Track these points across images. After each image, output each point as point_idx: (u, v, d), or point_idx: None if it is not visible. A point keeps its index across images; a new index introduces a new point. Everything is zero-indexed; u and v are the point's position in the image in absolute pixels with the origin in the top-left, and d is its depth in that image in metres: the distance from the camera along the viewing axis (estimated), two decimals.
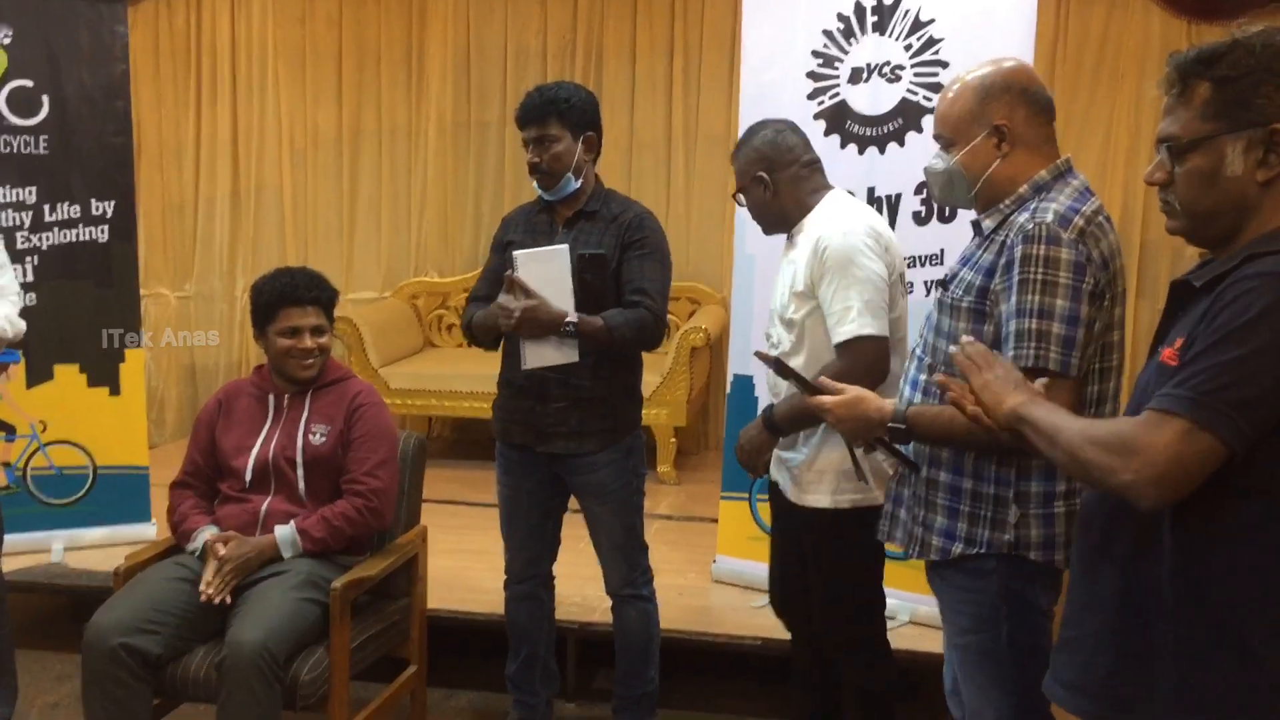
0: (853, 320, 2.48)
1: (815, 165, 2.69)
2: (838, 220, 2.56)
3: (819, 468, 2.59)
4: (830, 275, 2.50)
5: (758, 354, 2.43)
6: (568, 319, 2.77)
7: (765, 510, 3.68)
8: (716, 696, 3.58)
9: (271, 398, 2.99)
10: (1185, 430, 1.40)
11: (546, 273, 2.77)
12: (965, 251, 2.12)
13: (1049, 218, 1.90)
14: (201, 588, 2.70)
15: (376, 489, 2.93)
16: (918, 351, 2.17)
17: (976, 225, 2.12)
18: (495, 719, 3.33)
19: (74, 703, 3.37)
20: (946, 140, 2.09)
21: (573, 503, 3.12)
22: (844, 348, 2.50)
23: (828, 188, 2.68)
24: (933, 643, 2.94)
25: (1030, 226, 1.90)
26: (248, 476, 2.91)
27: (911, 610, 3.46)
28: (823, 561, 2.65)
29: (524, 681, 3.21)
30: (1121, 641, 1.55)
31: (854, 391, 2.10)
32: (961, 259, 2.11)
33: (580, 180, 2.94)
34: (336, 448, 2.93)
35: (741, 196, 2.72)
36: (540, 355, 2.81)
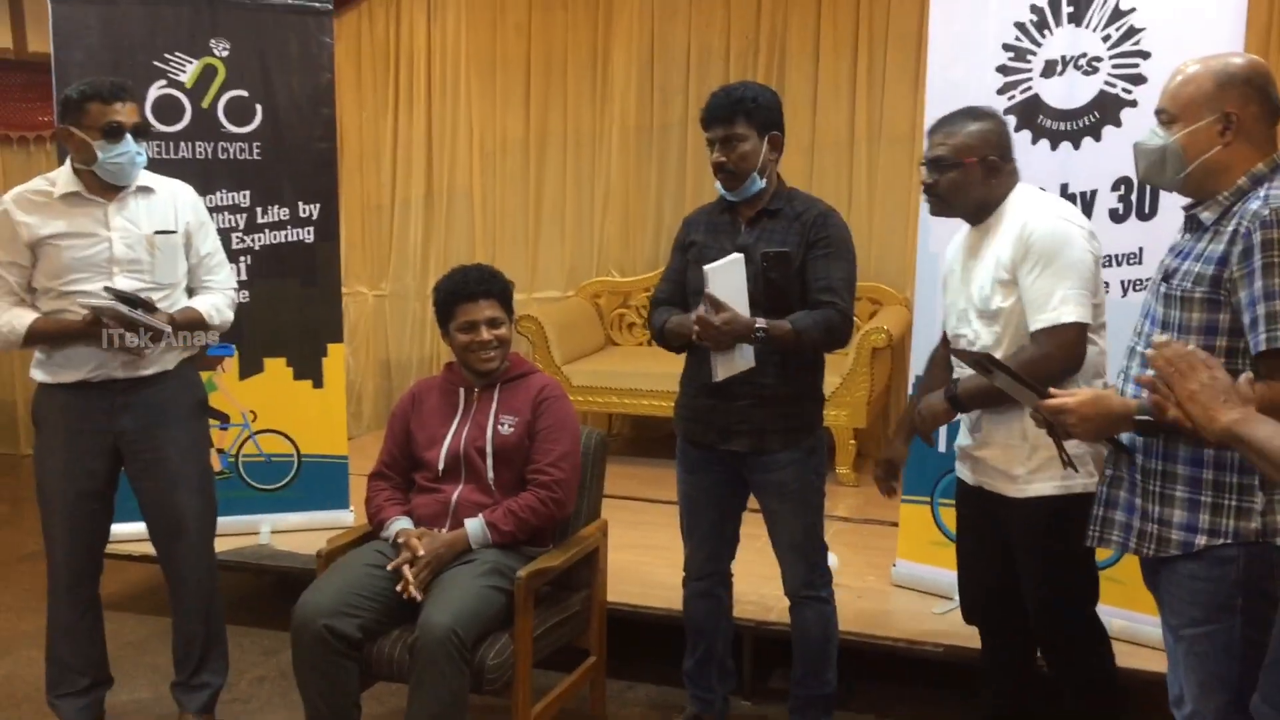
0: (1054, 307, 2.46)
1: (1015, 164, 2.68)
2: (1044, 207, 2.56)
3: (1036, 459, 2.56)
4: (1035, 260, 2.48)
5: (956, 352, 2.44)
6: (757, 325, 2.79)
7: (947, 515, 3.63)
8: (895, 703, 3.53)
9: (462, 391, 3.11)
10: None
11: (730, 281, 2.80)
12: (1178, 246, 2.13)
13: None
14: (399, 587, 2.83)
15: (560, 480, 3.01)
16: (1137, 348, 2.16)
17: (1193, 219, 2.11)
18: (673, 713, 3.37)
19: (279, 677, 3.60)
20: (1170, 116, 2.10)
21: (752, 502, 3.13)
22: (1044, 334, 2.48)
23: (1016, 182, 2.66)
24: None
25: (1267, 213, 1.91)
26: (440, 467, 3.04)
27: None
28: (1044, 551, 2.59)
29: (700, 677, 3.25)
30: None
31: (1089, 391, 2.12)
32: (1177, 253, 2.11)
33: (765, 180, 2.95)
34: (524, 438, 3.03)
35: (934, 170, 2.61)
36: (729, 366, 2.86)
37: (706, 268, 2.78)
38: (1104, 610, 3.22)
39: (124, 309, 2.89)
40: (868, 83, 5.58)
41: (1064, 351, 2.46)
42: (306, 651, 2.73)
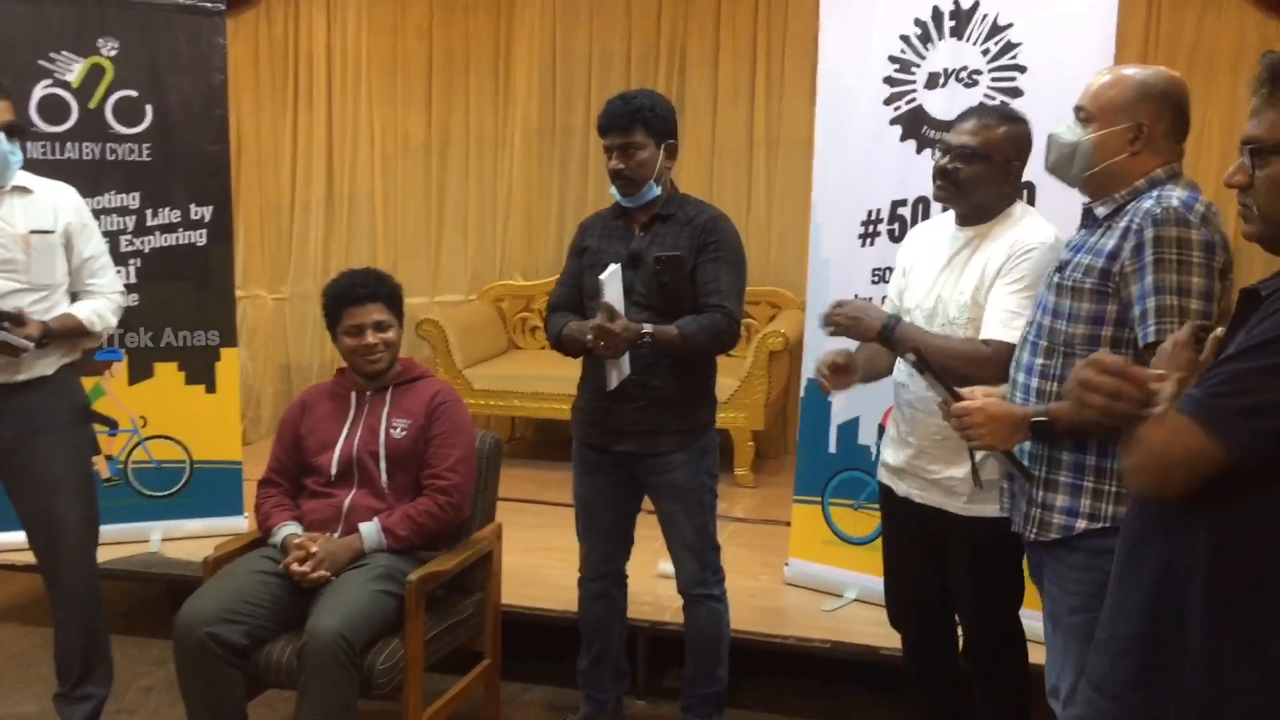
0: (1016, 327, 2.43)
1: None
2: (1046, 232, 2.52)
3: (987, 477, 2.51)
4: (1017, 277, 2.47)
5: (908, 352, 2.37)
6: (644, 331, 2.83)
7: (840, 515, 3.72)
8: (785, 698, 3.60)
9: (353, 395, 3.10)
10: (1181, 426, 1.44)
11: (614, 290, 2.83)
12: (1073, 240, 2.23)
13: (1174, 202, 2.02)
14: (293, 569, 2.81)
15: (457, 484, 3.02)
16: (1030, 337, 2.24)
17: (1089, 213, 2.21)
18: (567, 713, 3.39)
19: (168, 686, 3.53)
20: (1088, 115, 2.17)
21: (647, 503, 3.17)
22: (994, 346, 2.46)
23: (1017, 198, 2.64)
24: None
25: (1159, 211, 2.01)
26: (332, 471, 3.02)
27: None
28: (982, 567, 2.62)
29: (594, 677, 3.28)
30: (1147, 651, 1.55)
31: (981, 390, 2.17)
32: (1072, 246, 2.20)
33: (660, 187, 3.00)
34: (417, 442, 3.03)
35: (959, 158, 2.54)
36: (620, 372, 2.90)
37: (602, 276, 2.81)
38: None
39: None
40: (766, 90, 5.67)
41: (997, 367, 2.41)
42: (190, 660, 2.69)
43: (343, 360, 3.18)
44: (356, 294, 3.05)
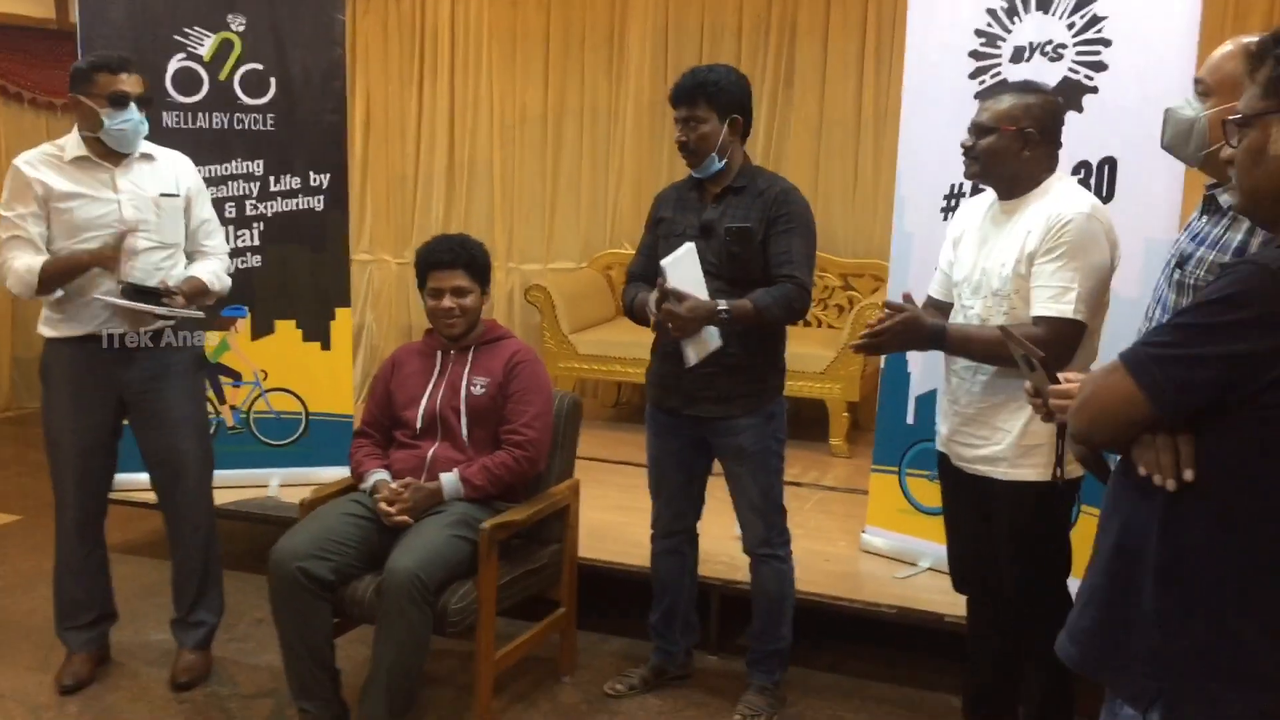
0: (1069, 301, 2.45)
1: (1059, 148, 2.66)
2: (1080, 200, 2.53)
3: (1028, 442, 2.58)
4: (1061, 251, 2.47)
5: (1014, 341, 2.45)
6: (720, 307, 2.94)
7: (915, 485, 3.77)
8: (851, 660, 3.68)
9: (438, 354, 3.30)
10: (1112, 370, 1.51)
11: (688, 271, 2.95)
12: (1196, 230, 2.05)
13: None
14: (381, 508, 3.05)
15: (533, 439, 3.19)
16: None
17: (1211, 200, 2.04)
18: (640, 663, 3.54)
19: None
20: (1206, 88, 2.06)
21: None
22: (1047, 322, 2.49)
23: (1055, 168, 2.64)
24: None
25: None
26: (418, 425, 3.23)
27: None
28: (1021, 535, 2.64)
29: (665, 630, 3.43)
30: (1107, 601, 1.62)
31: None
32: (1194, 237, 2.04)
33: (725, 160, 3.09)
34: (496, 399, 3.21)
35: (974, 134, 2.61)
36: (700, 348, 3.02)
37: (663, 262, 2.93)
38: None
39: (140, 305, 3.12)
40: (875, 62, 5.68)
41: (1058, 346, 2.42)
42: (282, 591, 2.94)
43: None
44: (441, 259, 3.23)
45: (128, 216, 3.20)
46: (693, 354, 3.02)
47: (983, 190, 2.84)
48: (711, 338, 3.02)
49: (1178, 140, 2.12)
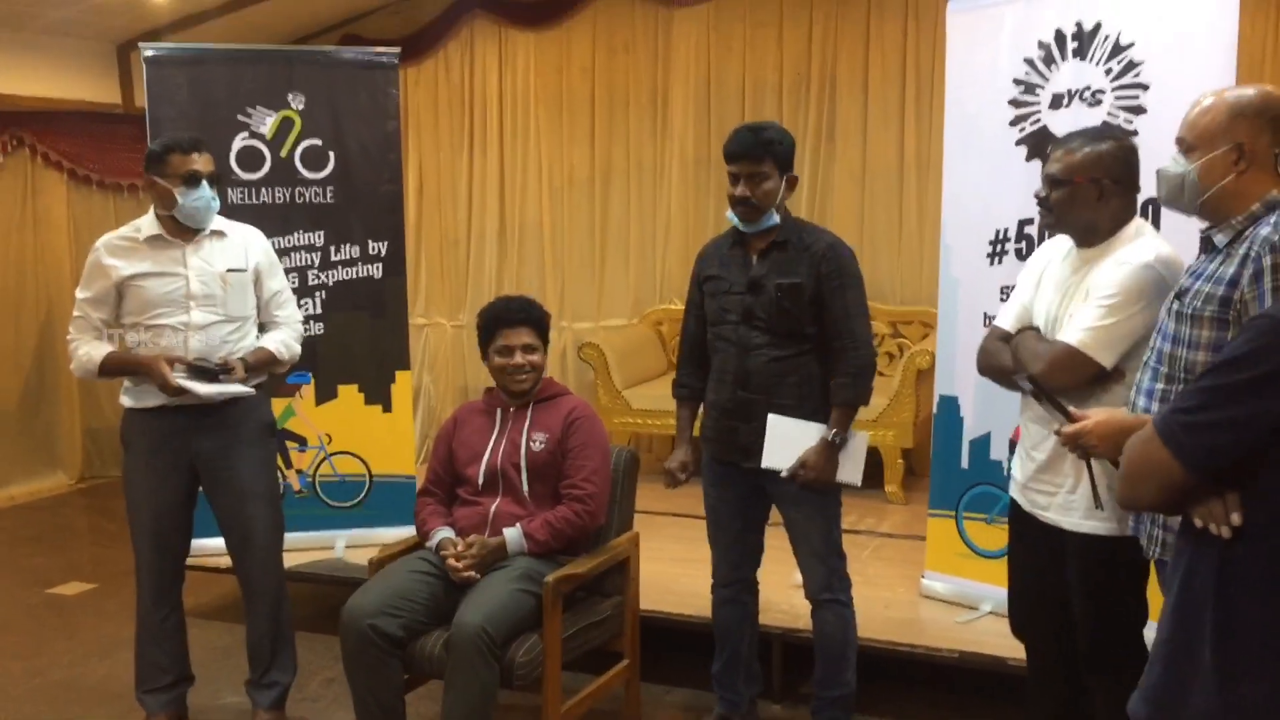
0: (1085, 332, 2.48)
1: (1137, 193, 2.66)
2: (1147, 250, 2.52)
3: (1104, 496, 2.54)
4: (1102, 295, 2.50)
5: (1024, 375, 2.46)
6: (833, 433, 3.11)
7: (974, 529, 3.78)
8: (914, 706, 3.69)
9: (499, 411, 3.39)
10: (1148, 438, 1.56)
11: (782, 441, 3.14)
12: (1194, 266, 2.22)
13: None
14: (449, 564, 3.13)
15: (592, 493, 3.26)
16: (1150, 361, 2.24)
17: (1207, 241, 2.20)
18: (704, 714, 3.56)
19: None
20: (1188, 145, 2.21)
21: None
22: (1050, 346, 2.54)
23: (1133, 215, 2.64)
24: None
25: (1276, 238, 2.00)
26: (480, 481, 3.32)
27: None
28: (1095, 587, 2.62)
29: (728, 680, 3.45)
30: (1171, 657, 1.64)
31: (1102, 411, 2.19)
32: (1192, 273, 2.20)
33: (779, 216, 3.17)
34: (555, 455, 3.29)
35: (1048, 185, 2.60)
36: (854, 472, 3.20)
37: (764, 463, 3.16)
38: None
39: (200, 388, 3.25)
40: (915, 112, 5.77)
41: (1057, 372, 2.48)
42: (354, 649, 3.02)
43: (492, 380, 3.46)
44: (511, 317, 3.34)
45: (194, 291, 3.34)
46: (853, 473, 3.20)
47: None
48: (855, 458, 3.19)
49: (1172, 194, 2.26)
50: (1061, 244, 2.75)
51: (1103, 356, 2.49)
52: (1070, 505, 2.62)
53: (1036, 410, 2.67)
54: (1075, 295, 2.61)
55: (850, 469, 3.16)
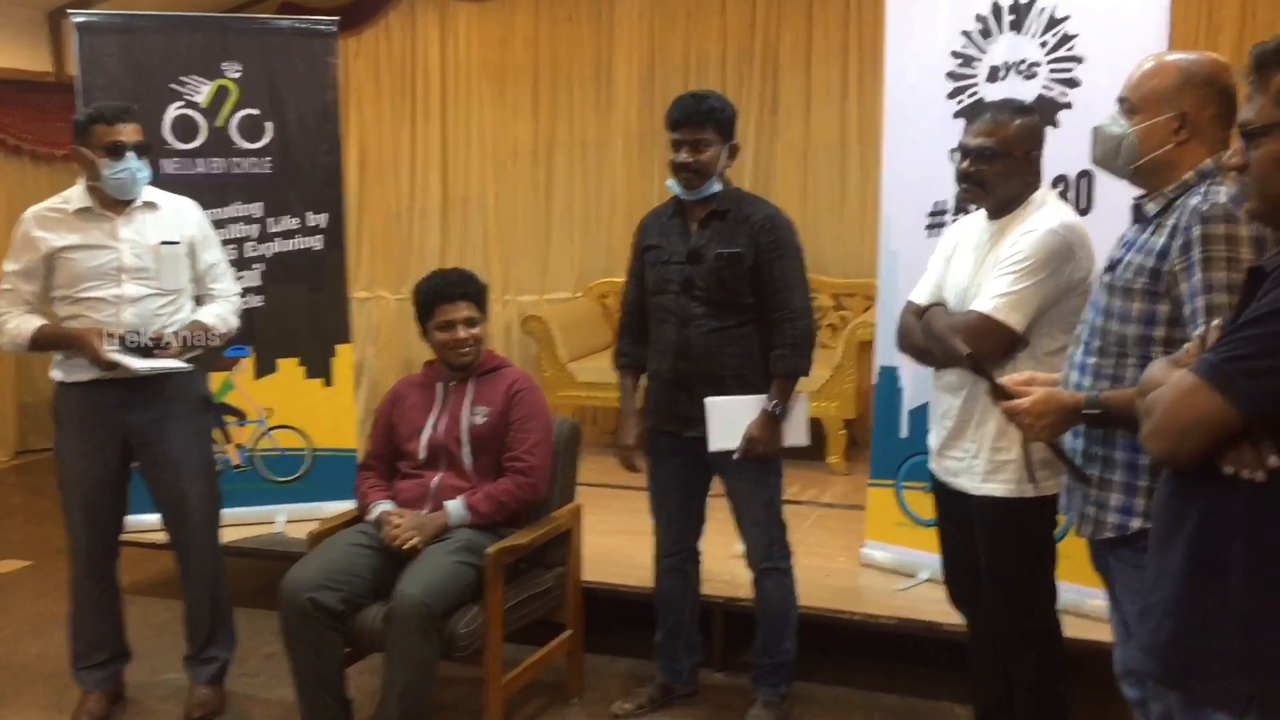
0: (997, 299, 2.50)
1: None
2: (1053, 216, 2.55)
3: (999, 458, 2.60)
4: (1013, 261, 2.52)
5: (946, 340, 2.49)
6: (774, 405, 3.11)
7: (912, 498, 3.83)
8: (855, 673, 3.73)
9: (439, 386, 3.37)
10: (1191, 388, 1.54)
11: (725, 418, 3.13)
12: (1126, 236, 2.19)
13: (1221, 199, 1.98)
14: (388, 538, 3.11)
15: (534, 466, 3.26)
16: (1083, 335, 2.22)
17: (1138, 210, 2.17)
18: (647, 683, 3.58)
19: None
20: (1131, 106, 2.16)
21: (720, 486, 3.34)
22: (964, 317, 2.57)
23: (1039, 185, 2.68)
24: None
25: (1206, 207, 1.98)
26: (421, 455, 3.30)
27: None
28: (995, 551, 2.66)
29: (670, 650, 3.49)
30: (1188, 609, 1.63)
31: (1042, 390, 2.15)
32: (1123, 243, 2.17)
33: (720, 183, 3.18)
34: (497, 427, 3.28)
35: (979, 160, 2.59)
36: (796, 433, 3.21)
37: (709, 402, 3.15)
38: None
39: (133, 362, 3.19)
40: (858, 87, 5.80)
41: (975, 344, 2.48)
42: (293, 623, 2.99)
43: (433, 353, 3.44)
44: (449, 292, 3.31)
45: (127, 264, 3.27)
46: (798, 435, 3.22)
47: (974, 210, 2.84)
48: (797, 421, 3.19)
49: (1107, 155, 2.20)
50: (976, 219, 2.78)
51: (1014, 320, 2.51)
52: (973, 470, 2.65)
53: (945, 379, 2.72)
54: (986, 264, 2.63)
55: (795, 432, 3.18)
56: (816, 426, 5.30)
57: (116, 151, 3.22)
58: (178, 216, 3.42)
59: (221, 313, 3.45)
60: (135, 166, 3.26)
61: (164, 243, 3.34)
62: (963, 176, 2.64)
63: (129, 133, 3.25)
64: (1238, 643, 1.56)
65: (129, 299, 3.27)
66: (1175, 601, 1.65)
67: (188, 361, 3.35)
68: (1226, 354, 1.54)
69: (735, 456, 3.14)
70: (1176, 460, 1.62)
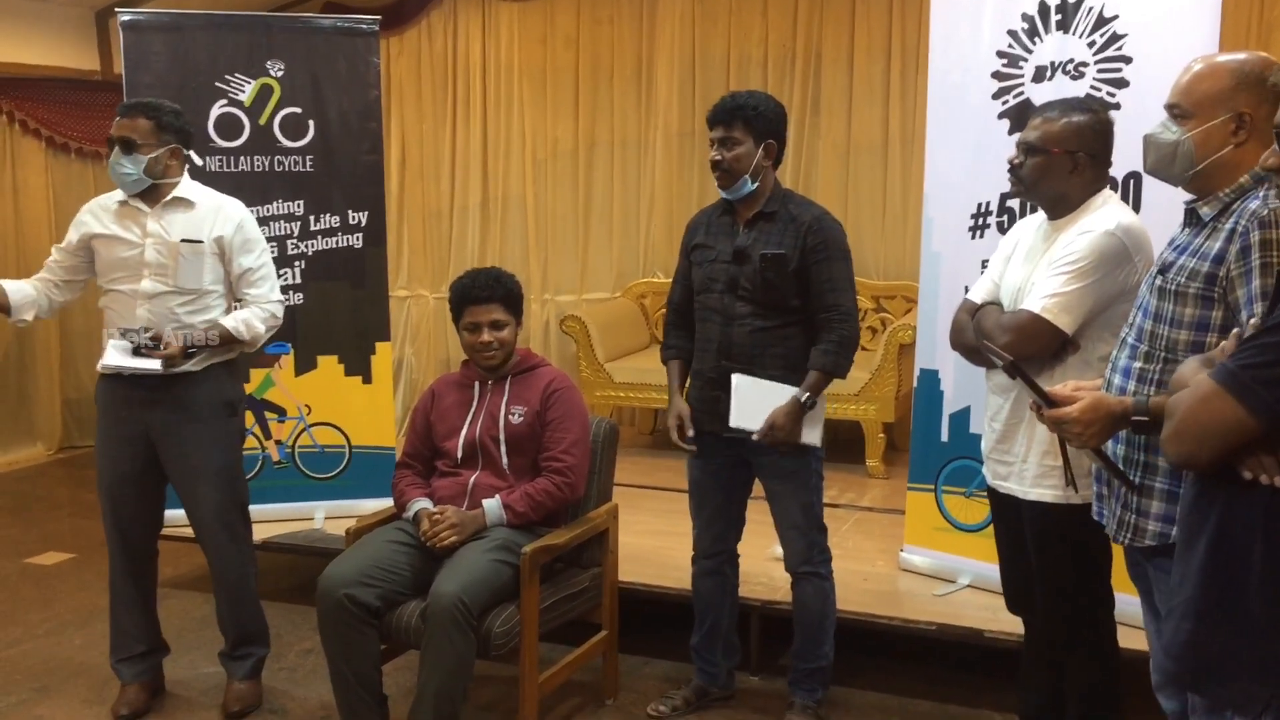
0: (1048, 299, 2.48)
1: (1109, 166, 2.66)
2: (1110, 218, 2.52)
3: (1049, 462, 2.57)
4: (1065, 263, 2.50)
5: (985, 346, 2.41)
6: (806, 396, 3.07)
7: (952, 502, 3.79)
8: (894, 678, 3.70)
9: (476, 385, 3.37)
10: (1209, 394, 1.53)
11: (751, 396, 3.10)
12: (1177, 240, 2.15)
13: None
14: (429, 534, 3.11)
15: (572, 465, 3.25)
16: (1129, 339, 2.18)
17: (1192, 213, 2.13)
18: (683, 685, 3.56)
19: None
20: (1183, 113, 2.11)
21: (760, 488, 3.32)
22: (1014, 316, 2.55)
23: (1104, 187, 2.64)
24: None
25: (1265, 212, 1.94)
26: (459, 454, 3.30)
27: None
28: (1047, 557, 2.63)
29: (706, 652, 3.47)
30: (1207, 612, 1.62)
31: (1089, 396, 2.10)
32: (1175, 247, 2.13)
33: (757, 183, 3.15)
34: (534, 427, 3.27)
35: (1023, 152, 2.60)
36: (812, 434, 3.16)
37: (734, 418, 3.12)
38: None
39: (118, 358, 3.22)
40: (900, 87, 5.75)
41: (1022, 341, 2.48)
42: (330, 618, 3.00)
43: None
44: (478, 294, 3.30)
45: (148, 259, 3.28)
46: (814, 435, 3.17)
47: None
48: (816, 422, 3.15)
49: (1161, 163, 2.15)
50: (1036, 218, 2.75)
51: (1064, 322, 2.49)
52: (1022, 474, 2.64)
53: (996, 379, 2.69)
54: (1041, 265, 2.60)
55: (811, 433, 3.13)
56: (855, 430, 5.28)
57: (110, 146, 3.27)
58: (213, 216, 3.36)
59: (246, 318, 3.36)
60: (115, 162, 3.25)
61: (185, 240, 3.31)
62: (1010, 169, 2.65)
63: (119, 127, 3.26)
64: (1254, 647, 1.56)
65: (145, 294, 3.28)
66: (1195, 604, 1.65)
67: (204, 365, 3.32)
68: (1244, 361, 1.54)
69: (754, 438, 3.09)
70: (1195, 464, 1.63)
